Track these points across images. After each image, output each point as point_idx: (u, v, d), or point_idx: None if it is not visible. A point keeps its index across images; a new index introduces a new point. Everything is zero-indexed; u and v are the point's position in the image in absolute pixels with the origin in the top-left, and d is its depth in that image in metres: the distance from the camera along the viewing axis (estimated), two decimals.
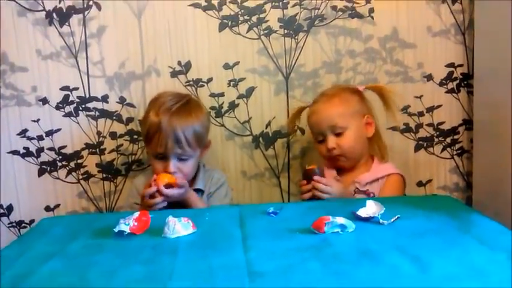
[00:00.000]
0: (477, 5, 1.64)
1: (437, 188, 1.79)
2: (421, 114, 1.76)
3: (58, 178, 1.76)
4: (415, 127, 1.76)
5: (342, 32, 1.72)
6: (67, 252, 1.10)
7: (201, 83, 1.73)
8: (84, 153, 1.75)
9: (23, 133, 1.73)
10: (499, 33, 1.52)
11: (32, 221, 1.76)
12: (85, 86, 1.72)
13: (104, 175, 1.77)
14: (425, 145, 1.77)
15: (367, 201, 1.23)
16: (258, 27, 1.71)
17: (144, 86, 1.73)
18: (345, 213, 1.19)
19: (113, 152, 1.75)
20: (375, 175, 1.55)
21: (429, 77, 1.74)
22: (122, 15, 1.69)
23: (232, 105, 1.74)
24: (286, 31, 1.71)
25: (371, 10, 1.70)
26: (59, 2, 1.68)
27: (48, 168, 1.75)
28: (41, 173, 1.75)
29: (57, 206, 1.76)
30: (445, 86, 1.75)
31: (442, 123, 1.76)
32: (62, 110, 1.73)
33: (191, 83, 1.72)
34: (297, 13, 1.71)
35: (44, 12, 1.68)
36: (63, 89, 1.72)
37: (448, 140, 1.77)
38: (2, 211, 1.76)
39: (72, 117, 1.73)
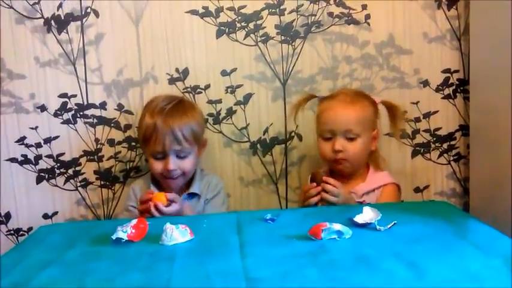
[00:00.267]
0: (472, 10, 1.65)
1: (435, 194, 1.80)
2: (417, 120, 1.76)
3: (56, 185, 1.76)
4: (411, 133, 1.77)
5: (338, 38, 1.72)
6: (65, 260, 1.11)
7: (198, 90, 1.73)
8: (82, 160, 1.75)
9: (21, 140, 1.73)
10: (494, 38, 1.53)
11: (30, 229, 1.76)
12: (83, 93, 1.73)
13: (102, 182, 1.77)
14: (422, 151, 1.78)
15: (364, 207, 1.23)
16: (255, 33, 1.72)
17: (142, 93, 1.73)
18: (342, 219, 1.19)
19: (111, 159, 1.76)
20: (371, 185, 1.54)
21: (425, 83, 1.75)
22: (119, 22, 1.70)
23: (230, 112, 1.75)
24: (283, 37, 1.72)
25: (367, 16, 1.71)
26: (57, 10, 1.69)
27: (46, 176, 1.75)
28: (39, 180, 1.75)
29: (55, 213, 1.77)
30: (442, 92, 1.75)
31: (438, 129, 1.77)
32: (60, 117, 1.73)
33: (189, 89, 1.73)
34: (294, 20, 1.71)
35: (42, 20, 1.69)
36: (61, 96, 1.72)
37: (445, 145, 1.78)
38: (0, 219, 1.76)
39: (70, 125, 1.74)
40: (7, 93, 1.71)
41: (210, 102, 1.74)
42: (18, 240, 1.77)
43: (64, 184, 1.76)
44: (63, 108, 1.73)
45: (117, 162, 1.76)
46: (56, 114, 1.73)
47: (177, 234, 1.17)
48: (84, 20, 1.70)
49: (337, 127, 1.50)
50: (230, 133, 1.76)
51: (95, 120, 1.74)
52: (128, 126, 1.74)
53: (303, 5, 1.71)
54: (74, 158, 1.75)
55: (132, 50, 1.71)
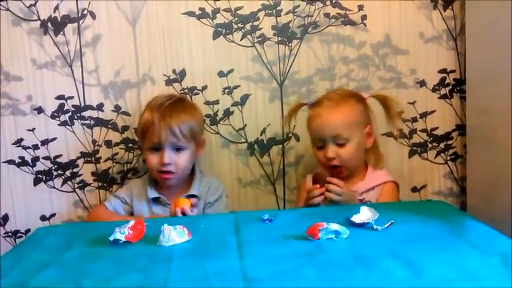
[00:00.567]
0: (468, 11, 1.65)
1: (432, 194, 1.80)
2: (414, 120, 1.77)
3: (54, 187, 1.76)
4: (408, 133, 1.77)
5: (335, 39, 1.73)
6: (63, 261, 1.11)
7: (195, 91, 1.74)
8: (80, 162, 1.75)
9: (18, 142, 1.73)
10: (490, 38, 1.53)
11: (27, 231, 1.76)
12: (80, 94, 1.73)
13: (100, 184, 1.77)
14: (419, 151, 1.78)
15: (361, 207, 1.23)
16: (252, 34, 1.72)
17: (139, 94, 1.73)
18: (339, 219, 1.20)
19: (108, 160, 1.76)
20: (370, 184, 1.54)
21: (422, 83, 1.75)
22: (116, 24, 1.70)
23: (227, 113, 1.75)
24: (279, 38, 1.72)
25: (364, 17, 1.72)
26: (54, 12, 1.69)
27: (44, 178, 1.75)
28: (36, 182, 1.75)
29: (53, 215, 1.76)
30: (438, 92, 1.76)
31: (435, 128, 1.77)
32: (57, 119, 1.73)
33: (186, 90, 1.73)
34: (291, 20, 1.72)
35: (39, 22, 1.69)
36: (58, 98, 1.72)
37: (442, 145, 1.79)
38: None
39: (67, 126, 1.74)
40: (4, 95, 1.71)
41: (207, 103, 1.74)
42: (16, 242, 1.76)
43: (61, 186, 1.76)
44: (60, 110, 1.73)
45: (114, 164, 1.76)
46: (53, 116, 1.73)
47: (174, 235, 1.17)
48: (80, 21, 1.70)
49: (324, 134, 1.51)
50: (227, 134, 1.76)
51: (92, 122, 1.74)
52: (125, 128, 1.74)
53: (299, 6, 1.71)
54: (72, 159, 1.75)
55: (129, 51, 1.72)
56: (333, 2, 1.71)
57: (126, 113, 1.74)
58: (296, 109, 1.64)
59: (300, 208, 1.49)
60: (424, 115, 1.76)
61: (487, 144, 1.58)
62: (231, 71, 1.73)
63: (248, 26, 1.71)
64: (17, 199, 1.75)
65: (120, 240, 1.17)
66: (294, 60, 1.73)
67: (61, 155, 1.74)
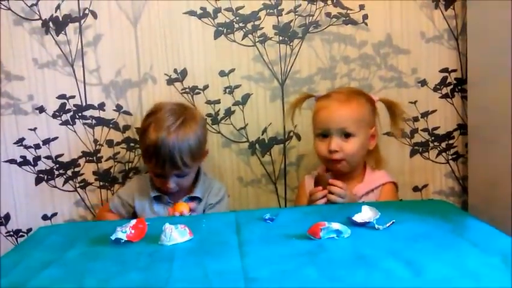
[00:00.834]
0: (470, 10, 1.65)
1: (433, 193, 1.80)
2: (416, 119, 1.77)
3: (55, 186, 1.76)
4: (410, 132, 1.77)
5: (336, 38, 1.73)
6: (64, 260, 1.11)
7: (197, 90, 1.74)
8: (81, 161, 1.76)
9: (19, 142, 1.73)
10: (492, 38, 1.53)
11: (29, 230, 1.76)
12: (81, 94, 1.73)
13: (101, 183, 1.77)
14: (420, 150, 1.78)
15: (363, 206, 1.23)
16: (253, 34, 1.72)
17: (140, 93, 1.73)
18: (341, 218, 1.20)
19: (109, 160, 1.76)
20: (369, 186, 1.53)
21: (423, 82, 1.75)
22: (117, 23, 1.70)
23: (228, 112, 1.75)
24: (281, 38, 1.72)
25: (365, 16, 1.72)
26: (55, 11, 1.69)
27: (45, 177, 1.75)
28: (38, 181, 1.75)
29: (55, 214, 1.77)
30: (439, 91, 1.76)
31: (436, 128, 1.77)
32: (59, 118, 1.73)
33: (187, 90, 1.73)
34: (292, 20, 1.72)
35: (40, 21, 1.69)
36: (59, 97, 1.72)
37: (443, 145, 1.78)
38: None
39: (68, 126, 1.74)
40: (5, 95, 1.71)
41: (208, 102, 1.74)
42: (17, 242, 1.77)
43: (63, 185, 1.76)
44: (62, 109, 1.73)
45: (116, 163, 1.76)
46: (54, 116, 1.73)
47: (176, 234, 1.17)
48: (82, 21, 1.70)
49: (332, 126, 1.48)
50: (229, 133, 1.76)
51: (94, 121, 1.74)
52: (126, 127, 1.75)
53: (300, 5, 1.71)
54: (73, 159, 1.75)
55: (131, 50, 1.72)
56: (334, 1, 1.71)
57: (127, 113, 1.74)
58: (301, 100, 1.62)
59: (302, 207, 1.49)
60: (425, 114, 1.76)
61: (489, 143, 1.58)
62: (232, 70, 1.73)
63: (249, 26, 1.72)
64: (19, 198, 1.75)
65: (122, 239, 1.17)
66: (295, 59, 1.73)
67: (62, 154, 1.75)
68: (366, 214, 1.21)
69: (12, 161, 1.74)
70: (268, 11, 1.71)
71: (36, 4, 1.68)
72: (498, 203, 1.51)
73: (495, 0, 1.49)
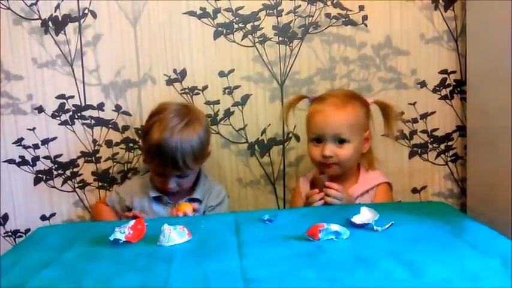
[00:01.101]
0: (469, 11, 1.65)
1: (432, 195, 1.80)
2: (415, 121, 1.77)
3: (54, 187, 1.76)
4: (409, 134, 1.77)
5: (336, 39, 1.73)
6: (63, 261, 1.11)
7: (196, 91, 1.74)
8: (80, 161, 1.75)
9: (18, 142, 1.73)
10: (491, 39, 1.53)
11: (27, 230, 1.76)
12: (81, 94, 1.73)
13: (100, 183, 1.77)
14: (419, 152, 1.78)
15: (361, 208, 1.23)
16: (253, 34, 1.72)
17: (139, 94, 1.73)
18: (340, 220, 1.20)
19: (108, 160, 1.76)
20: (364, 187, 1.53)
21: (422, 84, 1.75)
22: (117, 23, 1.70)
23: (228, 113, 1.75)
24: (280, 38, 1.72)
25: (364, 17, 1.72)
26: (55, 11, 1.69)
27: (44, 177, 1.75)
28: (36, 181, 1.75)
29: (53, 214, 1.76)
30: (439, 93, 1.76)
31: (435, 129, 1.77)
32: (58, 118, 1.73)
33: (186, 90, 1.73)
34: (291, 20, 1.72)
35: (40, 21, 1.69)
36: (58, 97, 1.72)
37: (442, 146, 1.78)
38: None
39: (67, 126, 1.74)
40: (5, 95, 1.71)
41: (207, 103, 1.74)
42: (15, 242, 1.76)
43: (62, 185, 1.76)
44: (61, 109, 1.73)
45: (114, 164, 1.76)
46: (53, 116, 1.73)
47: (174, 235, 1.17)
48: (81, 21, 1.70)
49: (326, 131, 1.47)
50: (228, 134, 1.76)
51: (93, 122, 1.74)
52: (125, 128, 1.74)
53: (300, 6, 1.71)
54: (72, 159, 1.75)
55: (130, 51, 1.72)
56: (334, 2, 1.71)
57: (126, 113, 1.74)
58: (295, 101, 1.61)
59: (300, 208, 1.49)
60: (424, 116, 1.76)
61: (488, 145, 1.58)
62: (231, 71, 1.73)
63: (249, 26, 1.72)
64: (17, 198, 1.75)
65: (120, 240, 1.17)
66: (294, 60, 1.73)
67: (61, 154, 1.74)
68: (364, 215, 1.21)
69: (11, 161, 1.74)
70: (267, 11, 1.71)
71: (35, 4, 1.68)
72: (497, 205, 1.51)
73: (495, 1, 1.49)
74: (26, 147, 1.73)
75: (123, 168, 1.77)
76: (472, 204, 1.72)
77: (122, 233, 1.17)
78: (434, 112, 1.76)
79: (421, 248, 1.05)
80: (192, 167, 1.52)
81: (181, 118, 1.51)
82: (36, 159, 1.74)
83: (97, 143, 1.75)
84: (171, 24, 1.71)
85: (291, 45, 1.73)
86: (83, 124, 1.74)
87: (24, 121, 1.72)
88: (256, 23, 1.72)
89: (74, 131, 1.74)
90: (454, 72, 1.75)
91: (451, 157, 1.79)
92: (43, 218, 1.76)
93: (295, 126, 1.73)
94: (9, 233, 1.77)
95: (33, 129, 1.73)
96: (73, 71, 1.72)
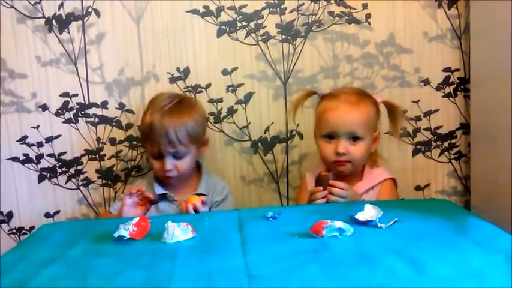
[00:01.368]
0: (473, 9, 1.65)
1: (436, 192, 1.80)
2: (418, 118, 1.77)
3: (58, 184, 1.76)
4: (412, 131, 1.77)
5: (339, 37, 1.73)
6: (67, 258, 1.11)
7: (199, 89, 1.74)
8: (84, 159, 1.76)
9: (22, 140, 1.74)
10: (495, 37, 1.53)
11: (32, 228, 1.76)
12: (84, 92, 1.73)
13: (104, 181, 1.77)
14: (423, 149, 1.78)
15: (365, 205, 1.23)
16: (256, 33, 1.72)
17: (143, 92, 1.74)
18: (343, 217, 1.20)
19: (112, 158, 1.76)
20: (369, 183, 1.53)
21: (426, 82, 1.75)
22: (120, 21, 1.71)
23: (231, 111, 1.75)
24: (284, 37, 1.73)
25: (368, 15, 1.72)
26: (58, 9, 1.69)
27: (48, 175, 1.76)
28: (40, 179, 1.76)
29: (57, 212, 1.77)
30: (442, 91, 1.76)
31: (439, 127, 1.77)
32: (62, 116, 1.74)
33: (190, 88, 1.73)
34: (295, 19, 1.72)
35: (44, 19, 1.70)
36: (62, 95, 1.73)
37: (446, 144, 1.78)
38: (2, 218, 1.77)
39: (71, 124, 1.74)
40: (9, 93, 1.72)
41: (211, 101, 1.74)
42: (20, 239, 1.77)
43: (66, 183, 1.77)
44: (65, 107, 1.73)
45: (118, 161, 1.77)
46: (57, 114, 1.73)
47: (178, 232, 1.17)
48: (85, 19, 1.70)
49: (341, 129, 1.47)
50: (231, 132, 1.76)
51: (96, 119, 1.74)
52: (129, 125, 1.75)
53: (303, 4, 1.71)
54: (76, 157, 1.75)
55: (133, 49, 1.72)
56: (337, 0, 1.71)
57: (130, 111, 1.74)
58: (304, 98, 1.60)
59: (304, 205, 1.49)
60: (428, 114, 1.76)
61: (491, 143, 1.58)
62: (235, 69, 1.73)
63: (252, 24, 1.72)
64: (22, 196, 1.76)
65: (125, 237, 1.17)
66: (298, 58, 1.73)
67: (65, 152, 1.75)
68: (368, 213, 1.21)
69: (15, 159, 1.74)
70: (271, 9, 1.71)
71: (39, 2, 1.69)
72: (500, 202, 1.51)
73: (498, 0, 1.49)
74: (30, 145, 1.74)
75: (126, 166, 1.77)
76: (475, 202, 1.71)
77: (126, 230, 1.18)
78: (438, 110, 1.76)
79: (424, 245, 1.04)
80: (185, 143, 1.53)
81: (173, 99, 1.58)
82: (40, 157, 1.75)
83: (101, 141, 1.75)
84: (175, 22, 1.71)
85: (294, 43, 1.73)
86: (86, 122, 1.74)
87: (28, 119, 1.73)
88: (259, 21, 1.72)
89: (77, 129, 1.74)
90: (457, 70, 1.75)
91: (454, 155, 1.79)
92: (47, 215, 1.77)
93: (298, 124, 1.74)
94: (14, 230, 1.77)
95: (37, 127, 1.73)
96: (77, 69, 1.72)
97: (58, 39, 1.71)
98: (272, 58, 1.73)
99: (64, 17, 1.70)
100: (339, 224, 1.13)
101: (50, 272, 1.03)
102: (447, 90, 1.76)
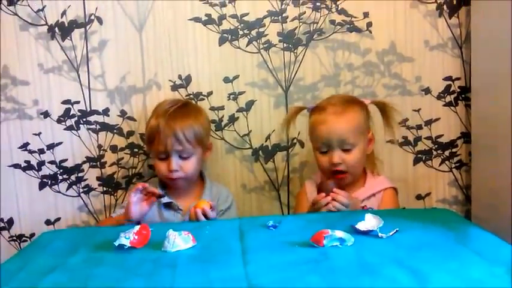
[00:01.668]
0: (474, 18, 1.65)
1: (437, 201, 1.80)
2: (419, 127, 1.77)
3: (59, 191, 1.76)
4: (413, 140, 1.77)
5: (340, 45, 1.73)
6: (68, 266, 1.11)
7: (201, 97, 1.74)
8: (85, 166, 1.76)
9: (24, 146, 1.74)
10: (495, 46, 1.54)
11: (32, 235, 1.76)
12: (86, 99, 1.73)
13: (105, 188, 1.77)
14: (424, 158, 1.78)
15: (366, 214, 1.23)
16: (258, 41, 1.73)
17: (144, 99, 1.74)
18: (344, 226, 1.20)
19: (113, 165, 1.76)
20: (371, 190, 1.54)
21: (427, 91, 1.75)
22: (123, 29, 1.71)
23: (232, 119, 1.75)
24: (285, 45, 1.73)
25: (369, 24, 1.72)
26: (61, 17, 1.70)
27: (49, 182, 1.76)
28: (41, 186, 1.76)
29: (58, 219, 1.77)
30: (443, 99, 1.76)
31: (440, 136, 1.77)
32: (63, 123, 1.74)
33: (191, 96, 1.74)
34: (296, 27, 1.72)
35: (46, 27, 1.70)
36: (64, 102, 1.73)
37: (447, 153, 1.78)
38: (2, 225, 1.76)
39: (73, 131, 1.74)
40: (11, 100, 1.72)
41: (212, 109, 1.74)
42: (20, 246, 1.77)
43: (67, 190, 1.77)
44: (67, 114, 1.73)
45: (119, 169, 1.77)
46: (59, 121, 1.74)
47: (179, 241, 1.17)
48: (87, 27, 1.71)
49: (331, 140, 1.49)
50: (232, 140, 1.77)
51: (98, 127, 1.74)
52: (130, 133, 1.75)
53: (305, 12, 1.72)
54: (77, 164, 1.76)
55: (135, 56, 1.72)
56: (339, 9, 1.71)
57: (131, 118, 1.74)
58: (294, 115, 1.63)
59: (305, 214, 1.49)
60: (429, 122, 1.76)
61: (492, 152, 1.58)
62: (236, 77, 1.74)
63: (254, 32, 1.72)
64: (22, 203, 1.76)
65: (125, 245, 1.17)
66: (299, 66, 1.74)
67: (66, 159, 1.75)
68: (369, 222, 1.21)
69: (16, 166, 1.74)
70: (272, 18, 1.72)
71: (42, 9, 1.69)
72: (501, 212, 1.50)
73: (499, 9, 1.49)
74: (31, 152, 1.74)
75: (127, 174, 1.77)
76: (476, 212, 1.71)
77: (126, 238, 1.18)
78: (439, 119, 1.76)
79: (425, 255, 1.05)
80: (192, 143, 1.54)
81: (177, 102, 1.61)
82: (41, 164, 1.75)
83: (102, 148, 1.75)
84: (177, 30, 1.72)
85: (295, 51, 1.73)
86: (88, 129, 1.74)
87: (29, 126, 1.73)
88: (261, 30, 1.72)
89: (79, 136, 1.75)
90: (458, 79, 1.75)
91: (455, 164, 1.79)
92: (48, 222, 1.77)
93: (299, 132, 1.74)
94: (14, 238, 1.77)
95: (39, 134, 1.74)
96: (79, 76, 1.72)
97: (60, 46, 1.71)
98: (273, 66, 1.74)
99: (67, 25, 1.70)
100: (339, 233, 1.13)
101: (50, 280, 1.03)
102: (448, 99, 1.76)
